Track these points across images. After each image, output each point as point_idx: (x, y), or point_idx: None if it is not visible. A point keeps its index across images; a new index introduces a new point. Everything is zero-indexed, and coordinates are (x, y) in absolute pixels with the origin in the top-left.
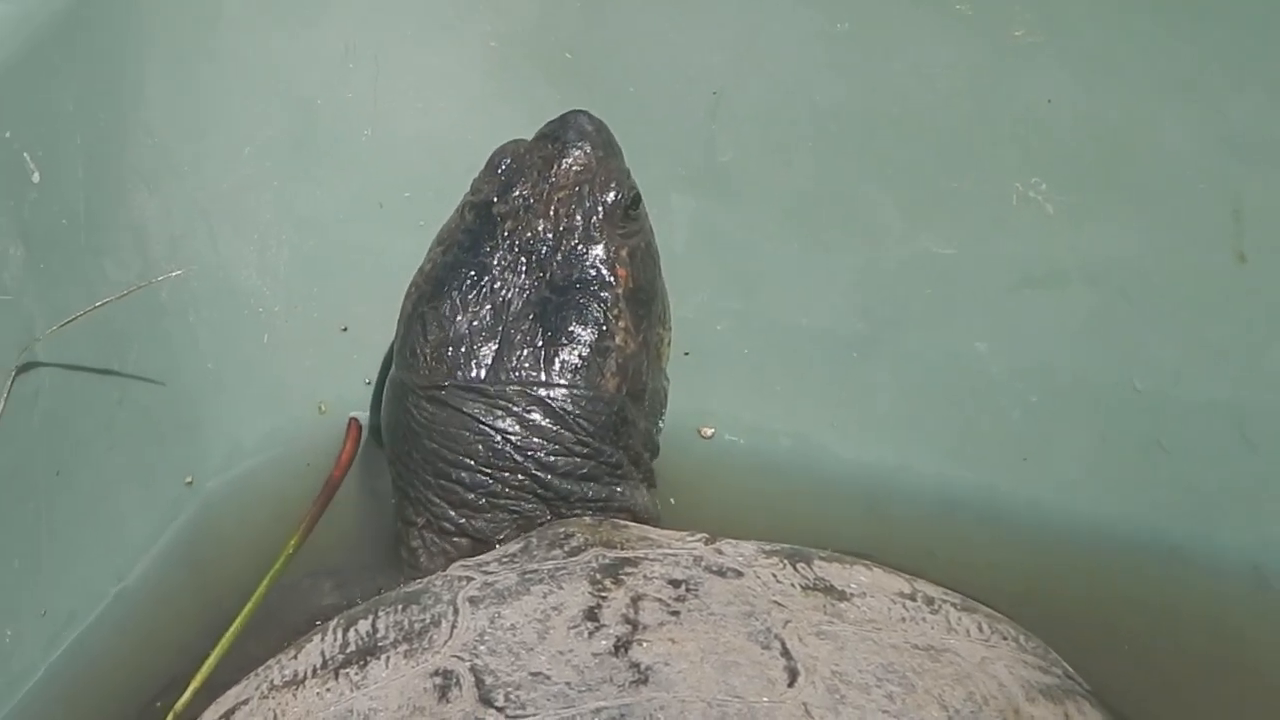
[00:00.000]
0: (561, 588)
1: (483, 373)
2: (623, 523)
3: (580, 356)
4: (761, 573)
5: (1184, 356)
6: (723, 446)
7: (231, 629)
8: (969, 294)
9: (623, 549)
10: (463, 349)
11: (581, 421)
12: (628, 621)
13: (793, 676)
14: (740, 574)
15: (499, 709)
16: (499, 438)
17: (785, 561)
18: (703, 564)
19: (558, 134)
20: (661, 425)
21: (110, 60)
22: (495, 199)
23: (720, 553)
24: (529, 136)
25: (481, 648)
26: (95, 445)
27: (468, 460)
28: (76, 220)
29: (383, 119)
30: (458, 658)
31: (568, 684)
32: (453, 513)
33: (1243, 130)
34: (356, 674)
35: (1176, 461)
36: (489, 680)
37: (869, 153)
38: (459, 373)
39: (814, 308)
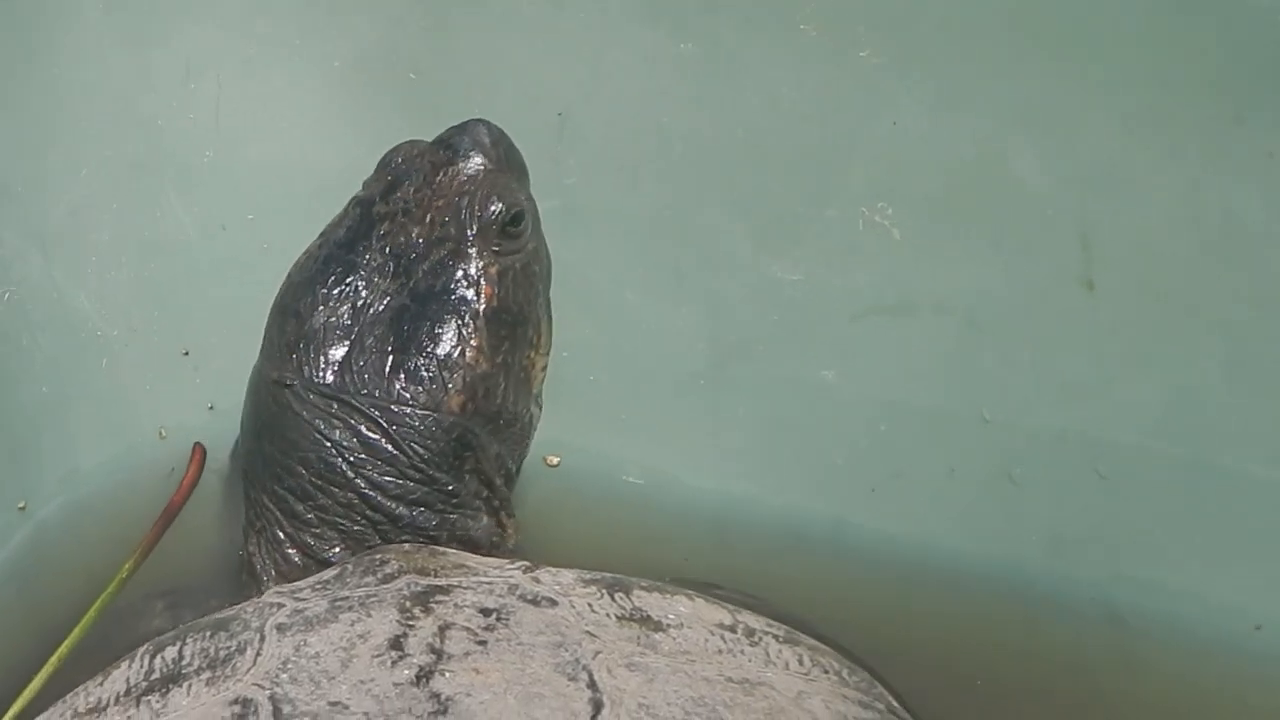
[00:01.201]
0: (370, 615)
1: (328, 375)
2: (441, 550)
3: (426, 369)
4: (577, 602)
5: (1034, 387)
6: (569, 475)
7: (55, 655)
8: (816, 322)
9: (436, 576)
10: (313, 346)
11: (416, 446)
12: (433, 651)
13: (597, 709)
14: (555, 603)
15: None
16: (332, 449)
17: (603, 591)
18: (517, 592)
19: (450, 141)
20: (524, 453)
21: None
22: (378, 198)
23: (537, 581)
24: (374, 158)
25: (283, 676)
26: None
27: (300, 469)
28: None
29: (225, 140)
30: (259, 685)
31: (366, 714)
32: (285, 522)
33: (1091, 159)
34: (158, 701)
35: (1028, 495)
36: (286, 709)
37: (716, 177)
38: (305, 369)
39: (661, 335)
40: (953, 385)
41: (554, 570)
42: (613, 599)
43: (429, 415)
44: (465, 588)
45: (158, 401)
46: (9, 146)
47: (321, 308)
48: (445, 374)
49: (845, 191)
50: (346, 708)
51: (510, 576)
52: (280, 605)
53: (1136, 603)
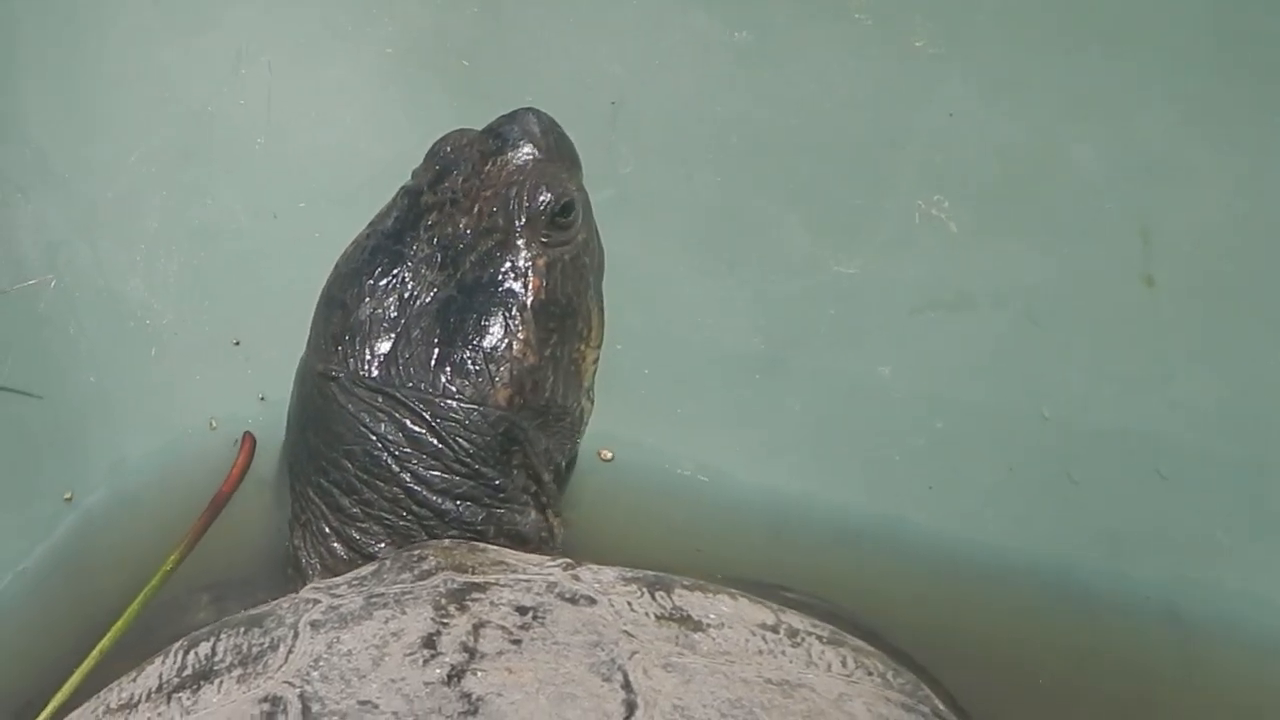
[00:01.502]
0: (405, 613)
1: (374, 368)
2: (482, 546)
3: (472, 363)
4: (616, 601)
5: (1093, 385)
6: (623, 470)
7: (95, 649)
8: (872, 316)
9: (474, 573)
10: (359, 339)
11: (461, 440)
12: (465, 650)
13: (630, 710)
14: (594, 601)
15: None
16: (377, 443)
17: (644, 589)
18: (555, 590)
19: (500, 130)
20: (574, 448)
21: None
22: (426, 188)
23: (577, 579)
24: (426, 146)
25: (314, 674)
26: None
27: (345, 463)
28: None
29: (276, 128)
30: (289, 684)
31: (395, 713)
32: (330, 516)
33: (1150, 150)
34: (189, 699)
35: (1086, 494)
36: (315, 708)
37: (770, 166)
38: (351, 361)
39: (715, 327)
40: (1011, 382)
41: (595, 568)
42: (653, 598)
43: (475, 409)
44: (503, 585)
45: (208, 392)
46: (56, 133)
47: (368, 299)
48: (491, 367)
49: (901, 183)
50: (376, 707)
51: (550, 574)
52: (316, 601)
53: (1196, 604)
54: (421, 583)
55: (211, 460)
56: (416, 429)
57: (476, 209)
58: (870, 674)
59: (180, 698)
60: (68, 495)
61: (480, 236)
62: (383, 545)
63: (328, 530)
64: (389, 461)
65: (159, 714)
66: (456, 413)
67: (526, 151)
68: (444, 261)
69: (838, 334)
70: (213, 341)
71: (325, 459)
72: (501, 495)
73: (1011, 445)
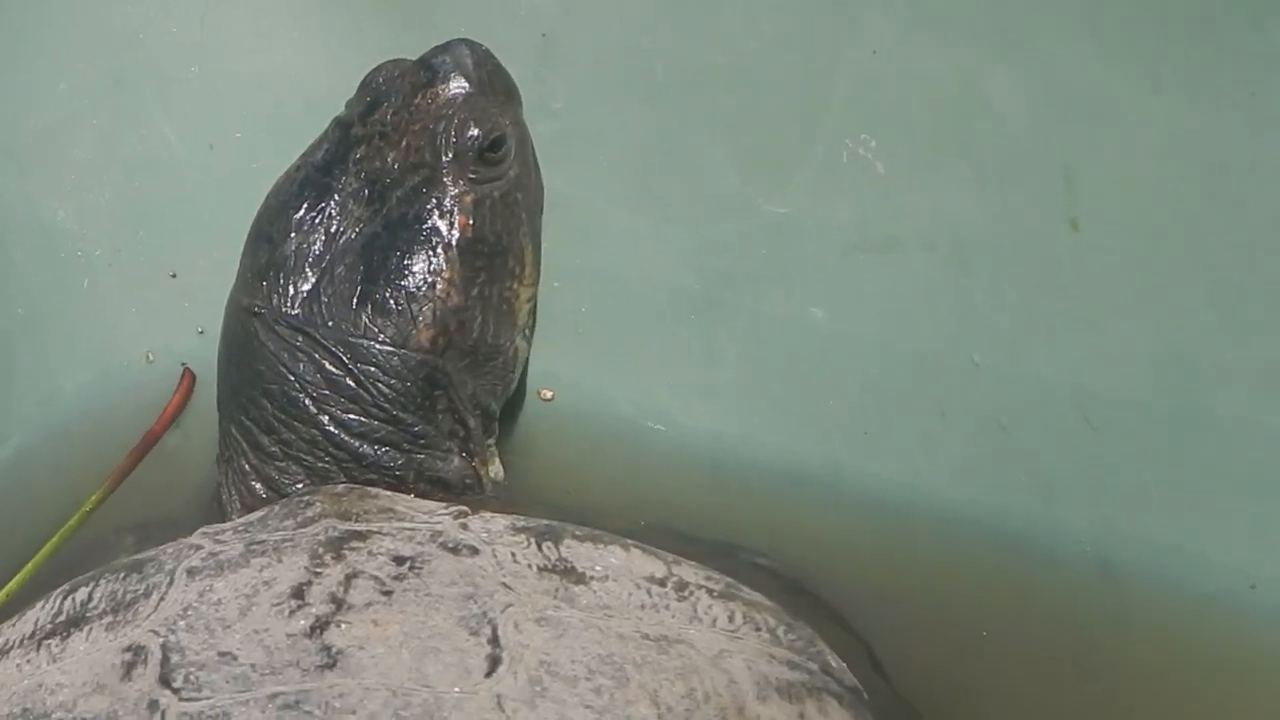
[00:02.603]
0: (280, 561)
1: (296, 305)
2: (374, 493)
3: (394, 302)
4: (500, 551)
5: (1021, 331)
6: (563, 410)
7: (8, 586)
8: (804, 257)
9: (357, 521)
10: (283, 274)
11: (380, 385)
12: (333, 601)
13: (494, 665)
14: (476, 552)
15: (175, 690)
16: (296, 384)
17: (531, 540)
18: (439, 540)
19: (431, 62)
20: (507, 390)
21: None
22: (357, 120)
23: (465, 528)
24: (359, 72)
25: (181, 623)
26: None
27: (264, 401)
28: None
29: (212, 55)
30: (154, 633)
31: (253, 665)
32: (250, 453)
33: (1072, 90)
34: (58, 646)
35: (1018, 442)
36: (175, 659)
37: (700, 103)
38: (275, 298)
39: (650, 266)
40: (942, 326)
41: (488, 516)
42: (539, 548)
43: (394, 352)
44: (384, 534)
45: (144, 325)
46: None
47: (294, 234)
48: (414, 307)
49: (828, 122)
50: (235, 658)
51: (438, 523)
52: (199, 547)
53: (1128, 556)
54: (303, 530)
55: (148, 394)
56: (335, 371)
57: (405, 143)
58: (758, 629)
59: (50, 644)
60: None
61: (407, 172)
62: (300, 485)
63: (248, 468)
64: (307, 403)
65: (28, 660)
66: (376, 355)
67: (458, 84)
68: (371, 197)
69: (770, 275)
70: (148, 274)
71: (246, 396)
72: (422, 441)
73: (944, 391)
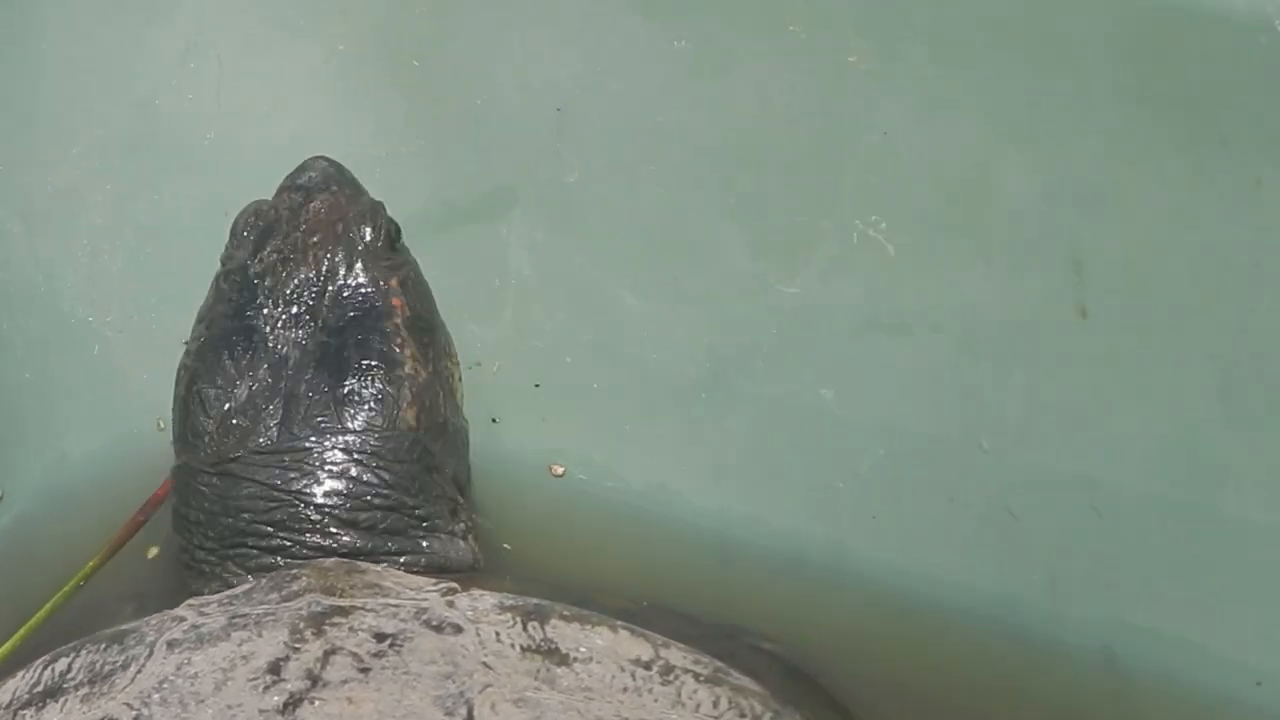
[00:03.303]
0: (261, 635)
1: (274, 434)
2: (362, 567)
3: (373, 390)
4: (485, 630)
5: (1029, 417)
6: (574, 486)
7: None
8: (815, 337)
9: (341, 596)
10: (247, 416)
11: (382, 472)
12: (309, 677)
13: None
14: (460, 630)
15: None
16: (297, 501)
17: (518, 619)
18: (423, 617)
19: (298, 182)
20: (468, 470)
21: None
22: (249, 261)
23: (452, 605)
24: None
25: (155, 696)
26: None
27: (266, 528)
28: None
29: (227, 122)
30: (127, 705)
31: None
32: (249, 577)
33: (1079, 179)
34: (33, 716)
35: (1025, 530)
36: None
37: (712, 180)
38: (249, 440)
39: (660, 343)
40: (951, 410)
41: (477, 594)
42: (525, 628)
43: (388, 435)
44: (368, 610)
45: (155, 392)
46: None
47: (239, 381)
48: (392, 389)
49: (840, 202)
50: None
51: (424, 600)
52: (182, 619)
53: (1134, 650)
54: (286, 604)
55: (157, 461)
56: (332, 473)
57: (311, 257)
58: (742, 715)
59: (25, 715)
60: None
61: (327, 280)
62: None
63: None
64: (310, 514)
65: None
66: (371, 444)
67: (334, 191)
68: (299, 316)
69: (781, 355)
70: (160, 341)
71: (239, 534)
72: (425, 525)
73: (952, 475)
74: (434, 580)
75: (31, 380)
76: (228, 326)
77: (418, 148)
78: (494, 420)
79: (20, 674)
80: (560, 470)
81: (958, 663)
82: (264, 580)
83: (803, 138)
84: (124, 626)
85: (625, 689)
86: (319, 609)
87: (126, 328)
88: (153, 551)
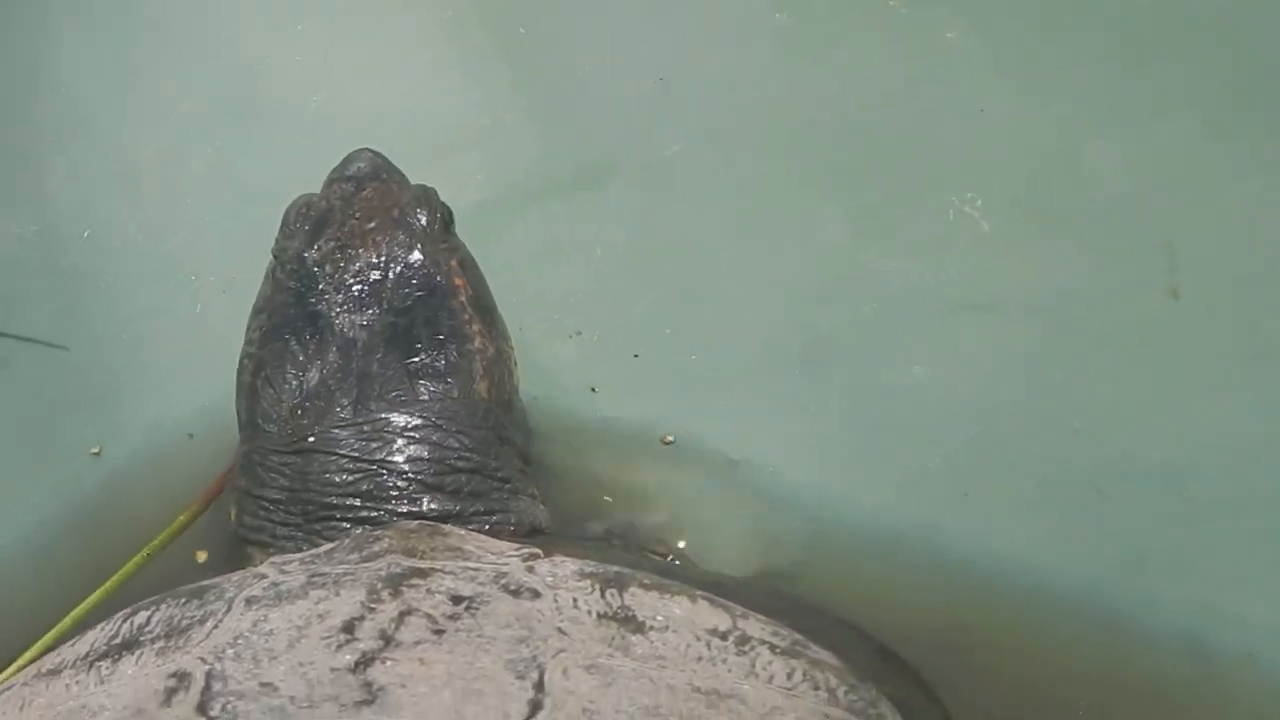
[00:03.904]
0: (338, 595)
1: (350, 411)
2: (445, 530)
3: (446, 363)
4: (562, 596)
5: (1120, 399)
6: (678, 454)
7: (70, 615)
8: (908, 314)
9: (422, 558)
10: (320, 397)
11: (462, 436)
12: (382, 637)
13: (534, 710)
14: (537, 595)
15: (211, 718)
16: (382, 470)
17: (596, 586)
18: (501, 582)
19: (346, 173)
20: (531, 444)
21: (15, 6)
22: (305, 251)
23: (531, 571)
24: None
25: (229, 651)
26: None
27: (353, 500)
28: None
29: (334, 86)
30: (201, 659)
31: (291, 698)
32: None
33: (1173, 162)
34: (108, 668)
35: (1113, 512)
36: (217, 687)
37: (809, 154)
38: (326, 419)
39: (758, 318)
40: (1043, 390)
41: (559, 560)
42: (603, 595)
43: (461, 405)
44: (447, 573)
45: None
46: (96, 81)
47: (309, 365)
48: (464, 363)
49: (935, 179)
50: (276, 689)
51: (505, 564)
52: (263, 576)
53: (1220, 635)
54: (366, 565)
55: None
56: (414, 439)
57: (371, 242)
58: (817, 689)
59: (100, 666)
60: (95, 450)
61: (388, 263)
62: None
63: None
64: (394, 481)
65: (76, 682)
66: (451, 409)
67: (384, 179)
68: (363, 300)
69: (875, 330)
70: None
71: (324, 508)
72: (508, 486)
73: (1043, 456)
74: (517, 545)
75: (131, 340)
76: (290, 314)
77: (522, 116)
78: (593, 390)
79: (100, 626)
80: (671, 439)
81: (1043, 644)
82: (346, 541)
83: (900, 113)
84: (205, 582)
85: (699, 658)
86: (398, 570)
87: (229, 288)
88: (202, 556)
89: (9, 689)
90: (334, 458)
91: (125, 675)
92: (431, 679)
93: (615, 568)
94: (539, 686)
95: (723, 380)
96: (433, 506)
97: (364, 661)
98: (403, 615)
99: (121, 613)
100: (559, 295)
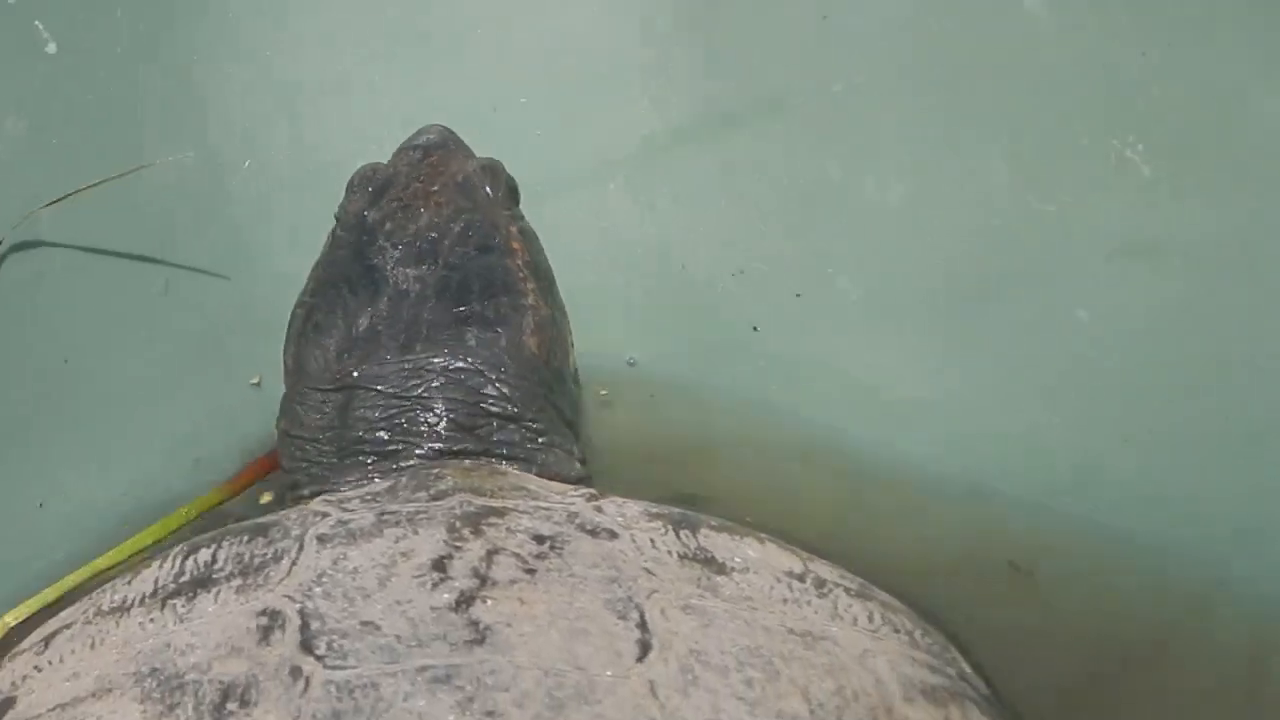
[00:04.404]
0: (417, 533)
1: (395, 353)
2: (502, 469)
3: (497, 314)
4: (639, 536)
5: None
6: (825, 394)
7: (137, 538)
8: (1070, 256)
9: (492, 497)
10: (368, 341)
11: (502, 385)
12: (477, 576)
13: (644, 651)
14: (615, 535)
15: (319, 657)
16: (416, 407)
17: (669, 527)
18: (576, 521)
19: (417, 143)
20: (581, 419)
21: None
22: (367, 210)
23: (600, 511)
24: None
25: (317, 590)
26: (134, 335)
27: (383, 434)
28: (108, 97)
29: (497, 19)
30: (289, 598)
31: (397, 637)
32: (367, 483)
33: None
34: (184, 606)
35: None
36: (315, 625)
37: (973, 94)
38: (371, 360)
39: (919, 258)
40: (1204, 337)
41: (620, 500)
42: (678, 536)
43: (508, 355)
44: (521, 512)
45: None
46: (256, 8)
47: (360, 312)
48: (516, 316)
49: (1098, 121)
50: (378, 628)
51: (572, 504)
52: (325, 515)
53: None
54: (437, 503)
55: None
56: (454, 380)
57: (433, 203)
58: (897, 631)
59: (175, 604)
60: (255, 380)
61: (450, 222)
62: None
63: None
64: (430, 419)
65: (151, 620)
66: (497, 355)
67: (451, 148)
68: (421, 254)
69: (1037, 272)
70: None
71: (360, 444)
72: (543, 440)
73: (1204, 403)
74: (575, 486)
75: (291, 269)
76: (346, 268)
77: (685, 53)
78: (755, 329)
79: (156, 564)
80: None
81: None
82: (404, 479)
83: (1063, 54)
84: (261, 520)
85: (784, 600)
86: (472, 509)
87: None
88: (266, 497)
89: (69, 626)
90: (373, 393)
91: (206, 613)
92: (535, 618)
93: (677, 509)
94: (642, 626)
95: (882, 322)
96: (460, 448)
97: (464, 600)
98: (490, 554)
99: (177, 549)
100: (721, 233)
